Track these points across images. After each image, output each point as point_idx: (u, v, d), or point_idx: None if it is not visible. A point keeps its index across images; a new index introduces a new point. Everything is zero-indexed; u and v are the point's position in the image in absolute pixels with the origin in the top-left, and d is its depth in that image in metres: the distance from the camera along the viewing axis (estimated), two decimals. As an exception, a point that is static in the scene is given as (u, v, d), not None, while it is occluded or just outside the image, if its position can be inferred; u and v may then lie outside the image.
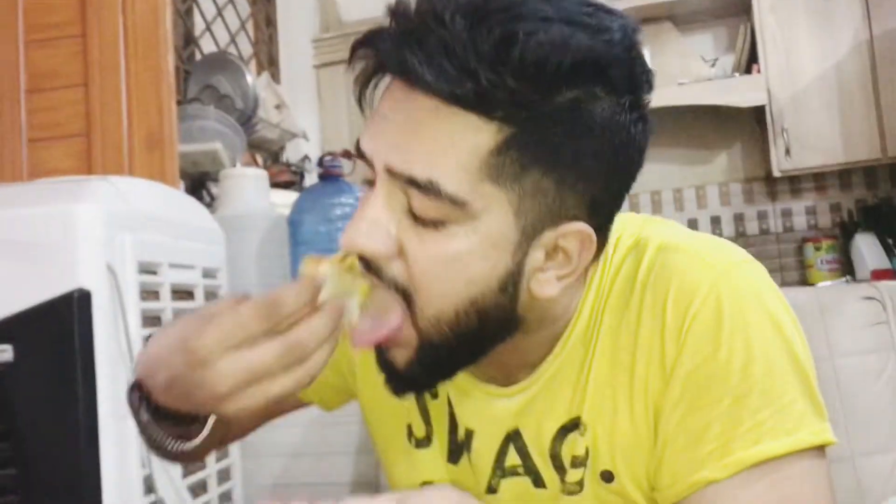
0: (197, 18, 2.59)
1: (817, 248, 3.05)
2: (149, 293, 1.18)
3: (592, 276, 0.67)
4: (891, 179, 3.07)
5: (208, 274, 1.38)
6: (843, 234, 3.05)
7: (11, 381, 1.02)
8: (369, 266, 0.60)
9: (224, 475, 1.39)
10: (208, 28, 2.60)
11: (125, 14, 1.56)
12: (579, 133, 0.57)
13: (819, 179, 3.15)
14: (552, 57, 0.54)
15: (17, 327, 1.03)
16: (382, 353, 0.64)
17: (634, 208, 3.35)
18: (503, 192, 0.57)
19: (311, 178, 2.61)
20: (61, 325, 1.03)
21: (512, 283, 0.60)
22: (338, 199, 1.58)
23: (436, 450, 0.74)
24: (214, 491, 1.33)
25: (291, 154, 2.81)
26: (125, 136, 1.55)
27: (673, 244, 0.65)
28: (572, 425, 0.66)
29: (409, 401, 0.75)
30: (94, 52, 1.57)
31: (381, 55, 0.58)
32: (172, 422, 0.64)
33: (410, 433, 0.76)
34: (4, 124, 1.59)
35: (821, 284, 2.93)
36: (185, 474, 1.23)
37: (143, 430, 0.67)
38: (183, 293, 1.29)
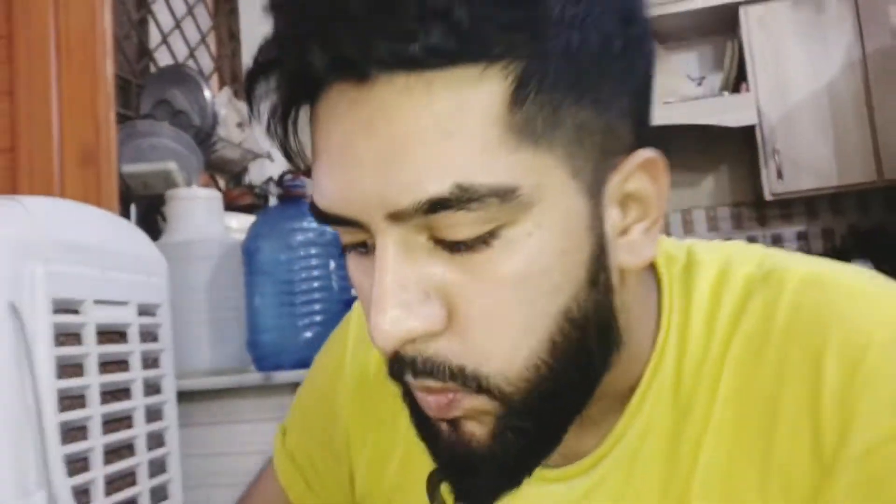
0: (153, 30, 2.42)
1: (810, 276, 2.93)
2: (67, 336, 0.98)
3: (670, 300, 0.50)
4: (885, 203, 2.96)
5: (145, 311, 1.18)
6: (838, 260, 2.93)
7: None
8: (413, 368, 0.42)
9: (163, 547, 1.19)
10: (165, 40, 2.43)
11: (57, 13, 1.37)
12: (594, 29, 0.41)
13: (810, 204, 3.03)
14: None
15: None
16: (447, 446, 0.45)
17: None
18: (547, 152, 0.41)
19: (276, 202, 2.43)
20: (-52, 379, 0.83)
21: (601, 268, 0.44)
22: (299, 223, 1.39)
23: None
24: (150, 568, 1.13)
25: (255, 175, 2.64)
26: (56, 152, 1.36)
27: (824, 278, 0.48)
28: None
29: (420, 498, 0.56)
30: (22, 56, 1.38)
31: (310, 60, 0.40)
32: None
33: None
34: (-84, 138, 1.39)
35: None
36: (112, 553, 1.03)
37: None
38: (113, 334, 1.09)
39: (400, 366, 0.43)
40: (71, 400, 0.98)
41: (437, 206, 0.39)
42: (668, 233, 3.21)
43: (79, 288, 1.01)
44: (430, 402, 0.44)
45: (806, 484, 0.45)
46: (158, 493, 1.18)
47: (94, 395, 1.02)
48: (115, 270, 1.11)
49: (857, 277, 0.49)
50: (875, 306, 0.46)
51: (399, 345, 0.41)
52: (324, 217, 0.43)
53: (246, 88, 0.43)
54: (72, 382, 0.97)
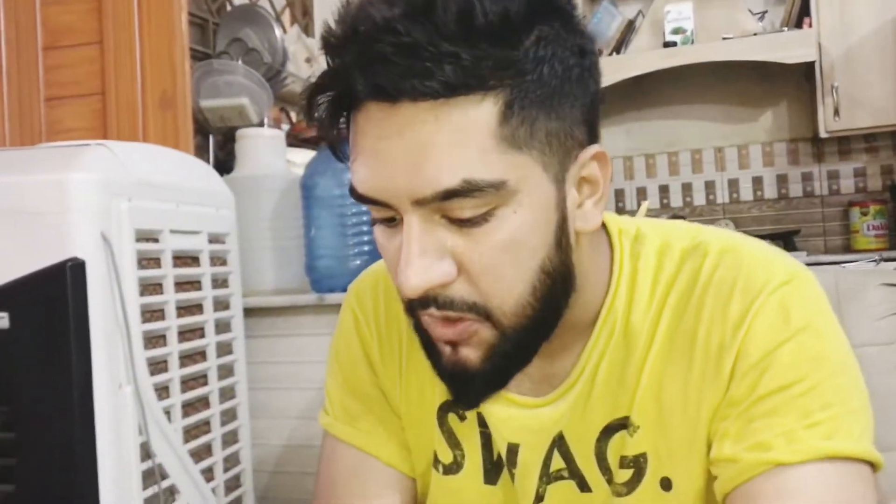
0: (229, -31, 2.55)
1: (864, 213, 2.94)
2: (149, 260, 1.18)
3: (621, 259, 0.67)
4: (947, 141, 2.92)
5: (215, 239, 1.37)
6: (893, 198, 2.92)
7: (8, 348, 1.03)
8: (436, 303, 0.58)
9: (231, 437, 1.40)
10: (239, -21, 2.56)
11: (139, -30, 1.53)
12: (557, 63, 0.57)
13: (870, 140, 3.01)
14: (510, 6, 0.54)
15: (13, 295, 1.03)
16: (449, 364, 0.61)
17: (674, 167, 3.26)
18: (526, 154, 0.56)
19: (339, 134, 2.58)
20: (56, 295, 1.03)
21: (563, 234, 0.60)
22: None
23: (468, 474, 0.73)
24: (220, 454, 1.34)
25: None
26: (139, 96, 1.54)
27: (736, 247, 0.65)
28: (619, 425, 0.66)
29: (433, 428, 0.73)
30: (109, 7, 1.55)
31: (354, 86, 0.55)
32: None
33: (436, 461, 0.74)
34: (22, 82, 1.59)
35: (853, 265, 2.82)
36: (187, 439, 1.24)
37: None
38: (187, 259, 1.29)
39: (423, 304, 0.59)
40: (152, 313, 1.18)
41: (450, 195, 0.54)
42: (724, 166, 3.24)
43: (158, 220, 1.19)
44: (447, 331, 0.59)
45: (714, 394, 0.61)
46: (227, 393, 1.39)
47: (171, 310, 1.21)
48: (188, 204, 1.30)
49: (759, 246, 0.66)
50: (769, 265, 0.63)
51: (423, 291, 0.57)
52: (361, 198, 0.58)
53: (307, 101, 0.58)
54: (153, 299, 1.17)
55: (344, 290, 1.52)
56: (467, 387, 0.62)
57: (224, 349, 1.39)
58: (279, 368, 1.58)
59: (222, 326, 1.38)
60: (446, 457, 0.73)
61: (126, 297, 1.09)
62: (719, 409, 0.61)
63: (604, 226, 0.68)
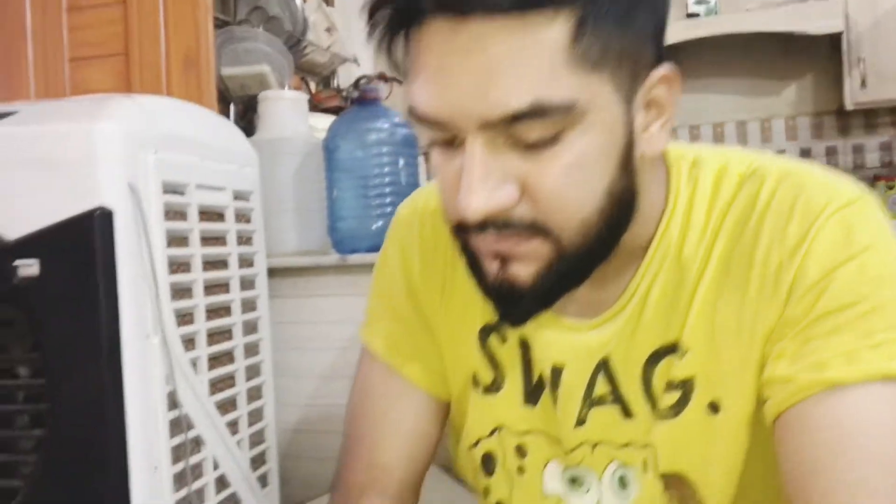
0: (250, -63, 2.55)
1: (889, 188, 2.91)
2: (175, 213, 1.19)
3: (678, 185, 0.65)
4: (975, 114, 2.88)
5: (239, 196, 1.38)
6: (919, 172, 2.90)
7: (38, 295, 1.04)
8: (494, 226, 0.57)
9: (255, 393, 1.41)
10: (260, -52, 2.56)
11: (162, -71, 1.53)
12: None
13: (895, 113, 2.97)
14: None
15: (42, 243, 1.05)
16: (497, 281, 0.60)
17: (695, 139, 3.24)
18: (597, 74, 0.54)
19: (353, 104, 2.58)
20: (84, 243, 1.04)
21: (629, 157, 0.58)
22: (374, 123, 1.54)
23: (509, 394, 0.72)
24: (244, 408, 1.35)
25: (343, 80, 2.78)
26: (163, 56, 1.55)
27: (796, 171, 0.63)
28: (668, 349, 0.65)
29: (474, 349, 0.73)
30: (133, -32, 1.56)
31: (419, 0, 0.54)
32: None
33: (476, 381, 0.74)
34: (47, 42, 1.60)
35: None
36: (213, 391, 1.26)
37: None
38: (213, 215, 1.29)
39: (480, 227, 0.57)
40: (179, 266, 1.19)
41: (518, 117, 0.53)
42: (746, 142, 3.21)
43: (184, 173, 1.20)
44: (500, 245, 0.58)
45: (771, 314, 0.60)
46: (251, 349, 1.40)
47: (197, 263, 1.22)
48: (213, 160, 1.30)
49: (820, 170, 0.64)
50: (831, 187, 0.62)
51: (484, 216, 0.56)
52: (422, 119, 0.57)
53: (368, 16, 0.57)
54: (179, 251, 1.18)
55: (366, 251, 1.54)
56: (515, 304, 0.61)
57: (248, 306, 1.40)
58: (302, 329, 1.59)
59: (247, 283, 1.39)
60: (486, 377, 0.73)
61: (154, 247, 1.10)
62: (775, 330, 0.60)
63: None
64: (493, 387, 0.73)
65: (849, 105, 2.78)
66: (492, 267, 0.60)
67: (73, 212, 1.04)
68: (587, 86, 0.53)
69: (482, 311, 0.72)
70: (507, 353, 0.72)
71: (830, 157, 3.07)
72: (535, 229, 0.57)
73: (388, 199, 1.56)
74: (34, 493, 1.05)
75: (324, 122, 1.93)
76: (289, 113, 1.69)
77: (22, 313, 1.06)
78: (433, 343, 0.77)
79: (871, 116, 3.00)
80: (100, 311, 1.04)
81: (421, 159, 1.67)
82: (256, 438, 1.41)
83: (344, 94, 2.59)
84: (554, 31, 0.52)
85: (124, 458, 1.05)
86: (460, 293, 0.74)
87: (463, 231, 0.60)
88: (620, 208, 0.59)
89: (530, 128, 0.53)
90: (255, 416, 1.41)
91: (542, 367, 0.70)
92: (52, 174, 1.05)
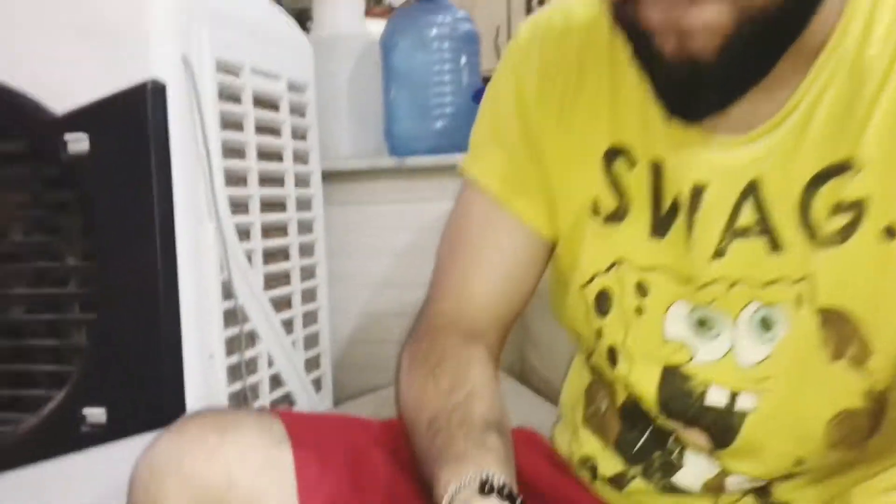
0: None
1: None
2: (229, 96, 1.12)
3: None
4: None
5: (295, 87, 1.31)
6: None
7: (89, 172, 0.99)
8: None
9: (309, 295, 1.36)
10: None
11: None
12: None
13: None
14: None
15: (92, 117, 0.99)
16: (674, 59, 0.51)
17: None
18: None
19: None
20: (136, 118, 0.98)
21: None
22: (435, 17, 1.46)
23: (634, 224, 0.64)
24: (299, 308, 1.31)
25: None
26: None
27: None
28: (838, 168, 0.55)
29: (597, 173, 0.65)
30: None
31: None
32: None
33: (596, 209, 0.66)
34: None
35: None
36: (268, 287, 1.21)
37: None
38: (267, 104, 1.23)
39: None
40: (233, 152, 1.13)
41: None
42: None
43: (239, 54, 1.14)
44: (673, 13, 0.49)
45: None
46: (305, 250, 1.35)
47: (251, 151, 1.16)
48: (268, 45, 1.23)
49: None
50: None
51: None
52: None
53: None
54: (234, 135, 1.12)
55: (425, 152, 1.47)
56: (696, 91, 0.52)
57: (303, 204, 1.34)
58: (357, 236, 1.53)
59: (301, 180, 1.33)
60: (609, 203, 0.65)
61: (208, 127, 1.04)
62: None
63: None
64: (617, 216, 0.65)
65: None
66: (668, 43, 0.51)
67: (124, 84, 0.98)
68: None
69: (610, 129, 0.64)
70: (636, 178, 0.63)
71: None
72: None
73: (447, 99, 1.48)
74: (86, 379, 1.02)
75: (379, 27, 1.85)
76: (344, 9, 1.61)
77: (72, 193, 1.02)
78: (543, 175, 0.68)
79: None
80: (152, 192, 0.99)
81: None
82: (311, 341, 1.36)
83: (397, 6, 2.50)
84: None
85: (178, 346, 1.01)
86: (584, 111, 0.66)
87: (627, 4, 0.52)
88: None
89: None
90: (310, 318, 1.36)
91: (679, 189, 0.61)
92: (101, 43, 0.99)
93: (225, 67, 1.10)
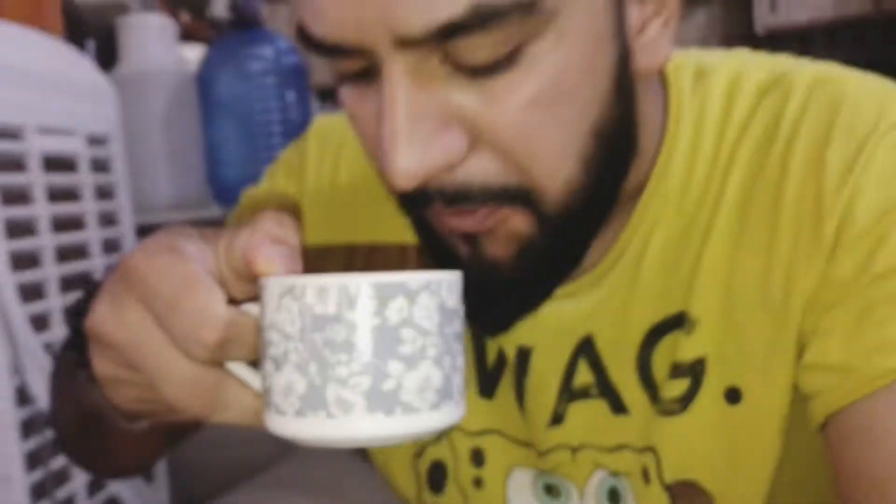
0: None
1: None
2: (11, 164, 0.95)
3: (678, 105, 0.48)
4: (882, 37, 2.85)
5: (95, 140, 1.14)
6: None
7: None
8: (443, 195, 0.39)
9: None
10: None
11: None
12: None
13: (804, 40, 2.93)
14: None
15: None
16: (473, 266, 0.43)
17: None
18: None
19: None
20: None
21: (622, 75, 0.42)
22: (255, 50, 1.33)
23: None
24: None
25: (218, 10, 2.51)
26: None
27: (833, 78, 0.48)
28: (672, 322, 0.49)
29: None
30: None
31: None
32: None
33: None
34: None
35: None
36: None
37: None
38: (61, 165, 1.06)
39: (423, 198, 0.40)
40: (20, 229, 0.96)
41: (453, 30, 0.35)
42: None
43: (20, 113, 0.97)
44: (464, 222, 0.41)
45: (810, 274, 0.44)
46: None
47: (44, 225, 1.00)
48: (58, 97, 1.07)
49: (863, 77, 0.49)
50: (881, 98, 0.45)
51: (420, 182, 0.38)
52: (317, 45, 0.38)
53: None
54: (19, 211, 0.95)
55: (256, 200, 1.33)
56: (496, 300, 0.44)
57: (116, 272, 1.18)
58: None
59: (110, 246, 1.17)
60: None
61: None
62: (818, 295, 0.44)
63: None
64: None
65: (759, 29, 2.71)
66: (460, 249, 0.43)
67: None
68: None
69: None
70: None
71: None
72: (508, 197, 0.40)
73: (276, 139, 1.36)
74: None
75: (195, 52, 1.69)
76: (155, 41, 1.44)
77: None
78: None
79: (779, 42, 2.94)
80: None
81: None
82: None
83: (216, 23, 2.33)
84: None
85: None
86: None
87: (411, 205, 0.43)
88: (617, 150, 0.43)
89: (473, 44, 0.37)
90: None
91: (502, 345, 0.53)
92: None
93: (4, 131, 0.93)
